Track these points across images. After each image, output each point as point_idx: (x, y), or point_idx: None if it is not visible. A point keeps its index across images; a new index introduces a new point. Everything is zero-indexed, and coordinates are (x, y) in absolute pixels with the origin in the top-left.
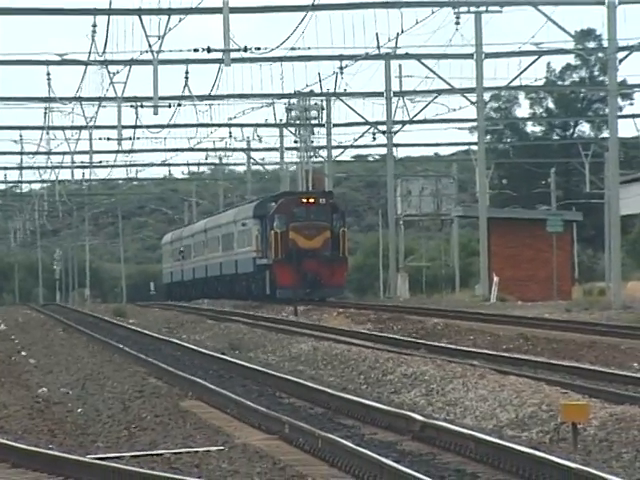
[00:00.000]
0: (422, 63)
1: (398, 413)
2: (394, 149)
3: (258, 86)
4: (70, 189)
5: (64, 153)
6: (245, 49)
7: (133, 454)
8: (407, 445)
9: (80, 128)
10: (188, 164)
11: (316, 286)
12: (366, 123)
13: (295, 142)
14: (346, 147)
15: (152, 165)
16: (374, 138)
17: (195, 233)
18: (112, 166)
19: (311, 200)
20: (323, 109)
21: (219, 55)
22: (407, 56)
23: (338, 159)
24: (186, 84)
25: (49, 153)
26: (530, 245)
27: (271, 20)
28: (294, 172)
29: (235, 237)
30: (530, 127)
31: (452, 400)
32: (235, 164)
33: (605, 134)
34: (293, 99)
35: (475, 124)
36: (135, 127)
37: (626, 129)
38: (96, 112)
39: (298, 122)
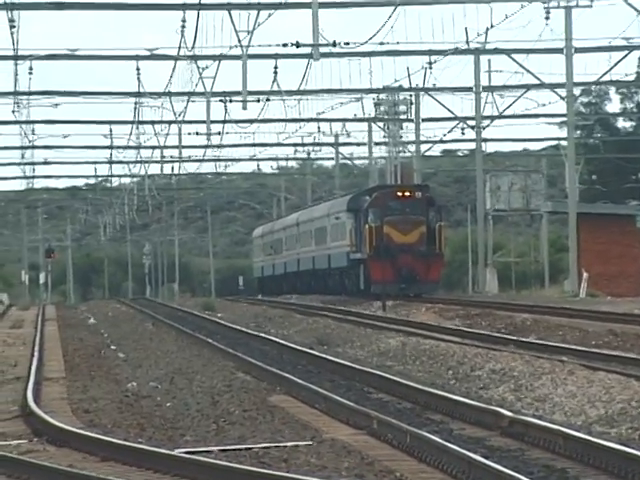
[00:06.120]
0: (511, 58)
1: (486, 409)
2: (483, 144)
3: (347, 81)
4: (159, 183)
5: (153, 147)
6: (334, 44)
7: (221, 448)
8: (495, 441)
9: (169, 123)
10: (277, 159)
11: (411, 282)
12: (455, 118)
13: (384, 137)
14: (435, 142)
15: (240, 160)
16: (463, 133)
17: (287, 226)
18: (201, 160)
19: (406, 194)
20: (412, 104)
21: (308, 50)
22: (496, 51)
23: (426, 154)
24: (275, 79)
25: (139, 147)
26: (619, 241)
27: (360, 15)
28: (383, 167)
29: (328, 231)
30: (621, 122)
31: (541, 396)
32: (323, 159)
33: None
34: (382, 94)
35: (565, 119)
36: (224, 122)
37: None
38: (185, 107)
39: (387, 117)
